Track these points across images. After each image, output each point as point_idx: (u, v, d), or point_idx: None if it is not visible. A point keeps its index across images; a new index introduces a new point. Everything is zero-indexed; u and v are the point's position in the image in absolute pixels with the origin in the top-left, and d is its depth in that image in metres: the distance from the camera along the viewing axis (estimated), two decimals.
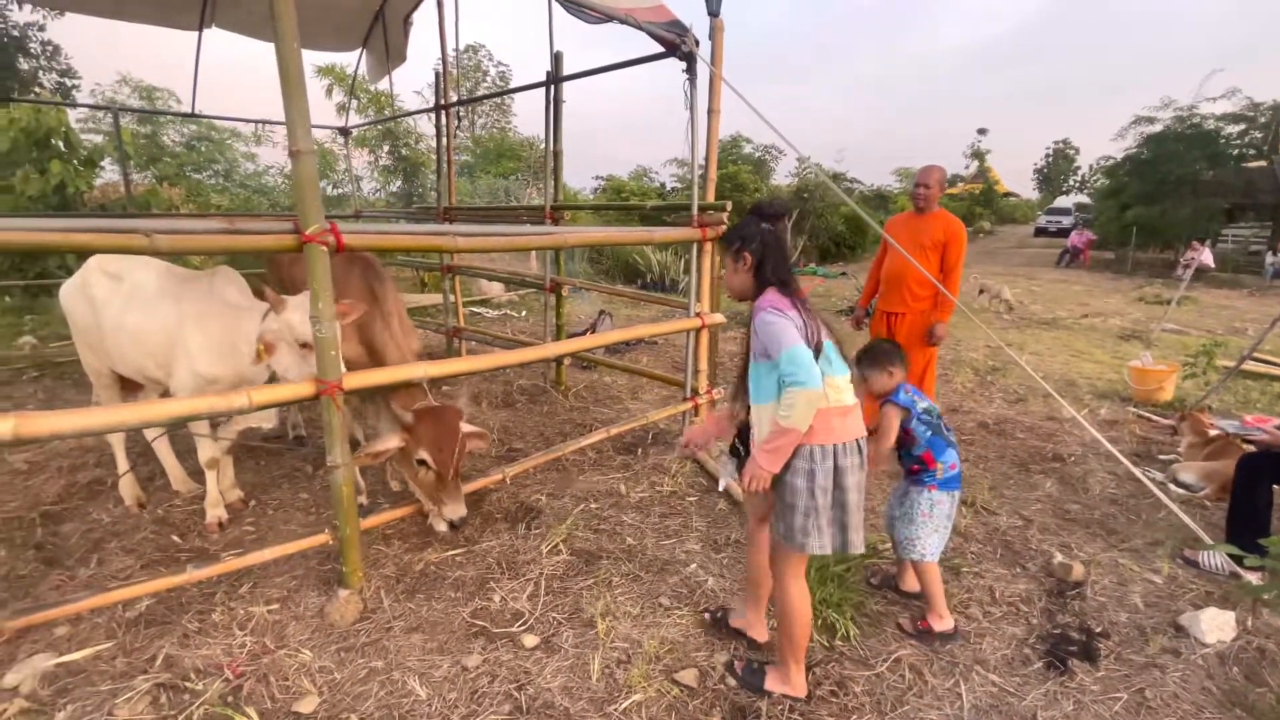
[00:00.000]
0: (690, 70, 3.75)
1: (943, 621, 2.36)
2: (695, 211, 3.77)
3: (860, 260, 19.55)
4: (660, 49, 3.79)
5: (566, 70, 4.73)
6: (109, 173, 10.74)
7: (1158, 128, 18.24)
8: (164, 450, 3.33)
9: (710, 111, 3.80)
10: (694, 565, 2.76)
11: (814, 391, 1.76)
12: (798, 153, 3.26)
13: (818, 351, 1.83)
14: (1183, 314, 10.06)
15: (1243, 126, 17.77)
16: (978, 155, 42.71)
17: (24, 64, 14.35)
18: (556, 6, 3.44)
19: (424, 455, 2.68)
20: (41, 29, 14.67)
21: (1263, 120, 17.48)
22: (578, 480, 3.64)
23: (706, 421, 2.42)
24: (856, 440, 1.91)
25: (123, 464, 3.22)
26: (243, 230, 2.22)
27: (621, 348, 6.92)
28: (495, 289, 10.15)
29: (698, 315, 3.89)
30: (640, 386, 5.54)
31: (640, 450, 4.04)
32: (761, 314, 1.87)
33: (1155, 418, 4.88)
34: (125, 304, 2.82)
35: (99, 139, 12.58)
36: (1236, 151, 17.93)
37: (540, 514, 3.23)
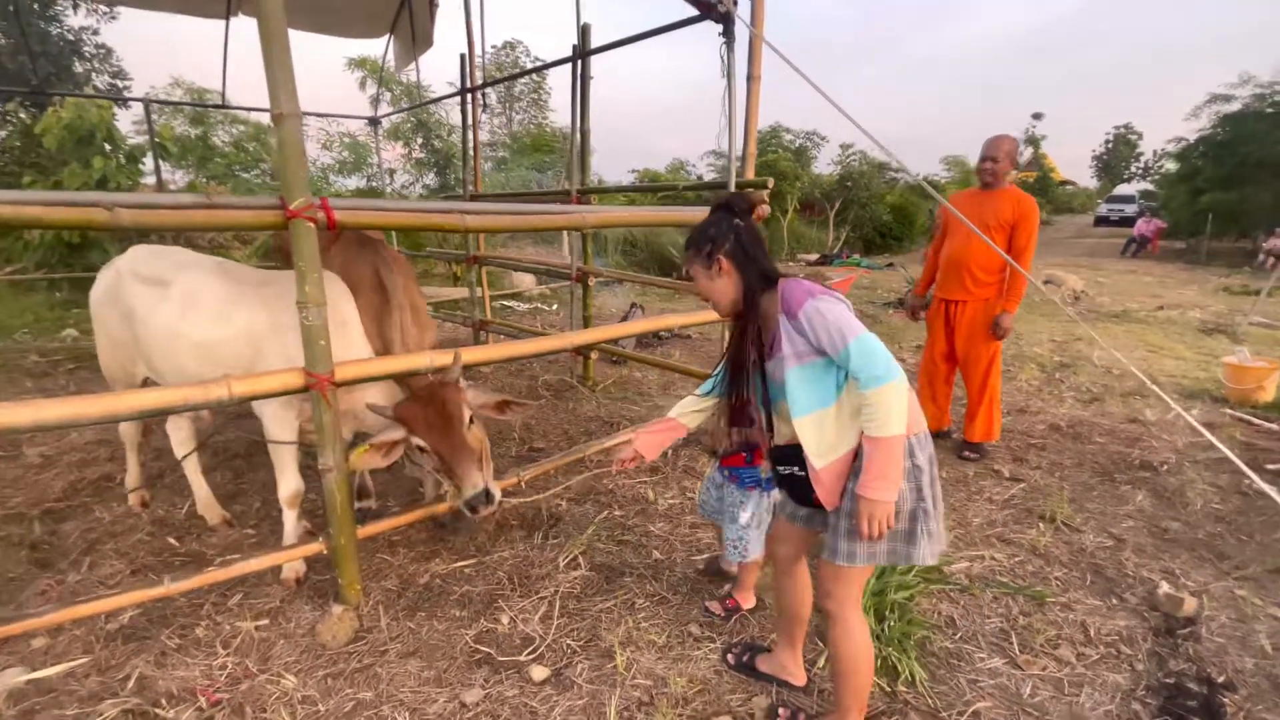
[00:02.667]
0: (727, 33, 3.40)
1: (749, 600, 2.33)
2: (732, 189, 3.42)
3: (908, 251, 18.74)
4: (694, 11, 3.46)
5: (595, 43, 4.43)
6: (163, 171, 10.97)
7: (1235, 106, 16.89)
8: (192, 470, 2.92)
9: (750, 78, 3.43)
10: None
11: (901, 383, 1.43)
12: (854, 123, 2.87)
13: None
14: (1272, 306, 9.16)
15: None
16: (1032, 142, 40.79)
17: (78, 67, 14.86)
18: None
19: (418, 441, 2.28)
20: (95, 32, 15.16)
21: None
22: (601, 483, 3.34)
23: (652, 429, 1.99)
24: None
25: (134, 475, 3.08)
26: (220, 205, 1.99)
27: (653, 341, 6.60)
28: (526, 281, 9.95)
29: None
30: (672, 382, 5.22)
31: (669, 452, 3.72)
32: (811, 303, 1.51)
33: (1258, 421, 4.31)
34: (182, 312, 2.40)
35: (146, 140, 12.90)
36: None
37: (560, 521, 2.94)
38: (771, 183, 3.47)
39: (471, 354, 2.50)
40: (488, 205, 2.53)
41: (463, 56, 5.56)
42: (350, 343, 2.42)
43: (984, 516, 3.07)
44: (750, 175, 3.51)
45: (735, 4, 3.33)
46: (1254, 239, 16.60)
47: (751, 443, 2.10)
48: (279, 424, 2.44)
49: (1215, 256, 16.77)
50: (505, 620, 2.24)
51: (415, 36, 5.96)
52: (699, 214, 3.35)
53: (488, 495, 2.22)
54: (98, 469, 3.42)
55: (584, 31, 4.44)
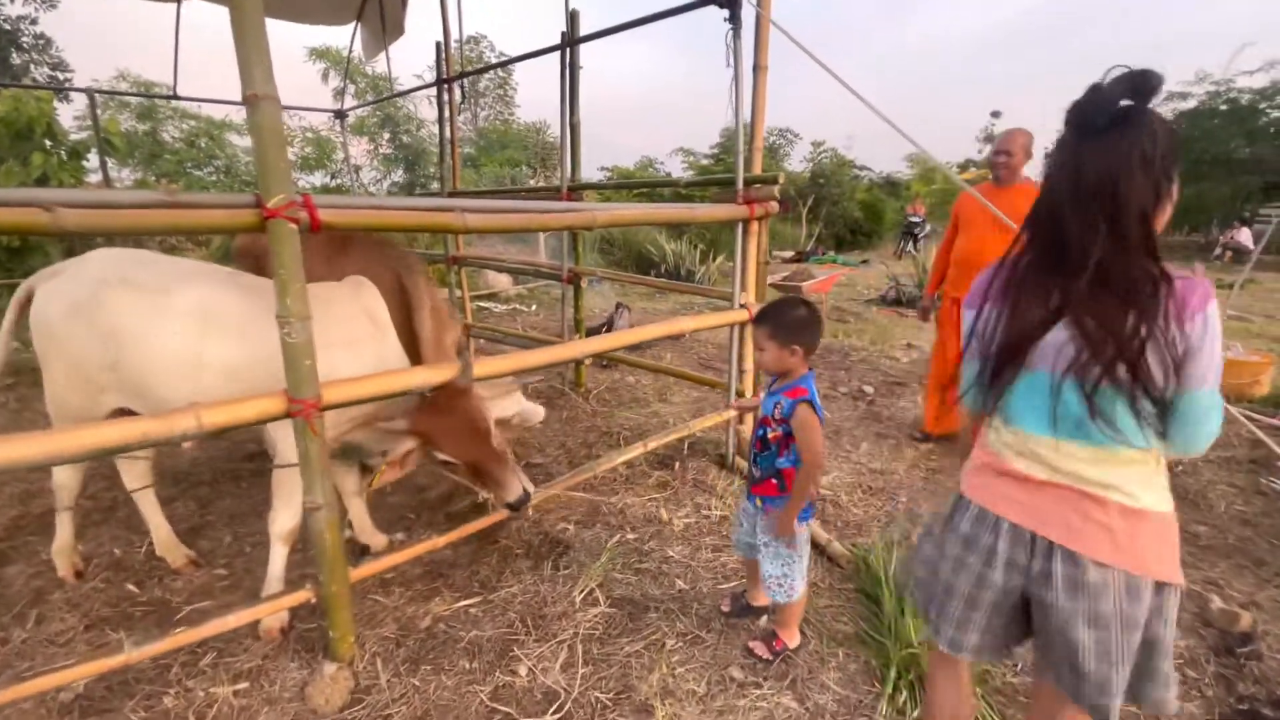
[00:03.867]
0: (734, 19, 3.18)
1: (794, 638, 2.12)
2: (740, 186, 3.21)
3: (878, 248, 18.88)
4: None
5: (584, 31, 4.17)
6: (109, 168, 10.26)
7: (1191, 104, 17.44)
8: (149, 506, 2.56)
9: (757, 68, 3.24)
10: (766, 620, 2.22)
11: None
12: (879, 114, 2.69)
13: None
14: (1243, 299, 9.39)
15: None
16: (990, 139, 41.74)
17: (16, 58, 13.93)
18: None
19: (442, 455, 2.26)
20: (34, 21, 14.25)
21: None
22: (609, 502, 3.11)
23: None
24: None
25: (64, 530, 2.46)
26: (185, 204, 1.70)
27: (642, 344, 6.38)
28: (503, 282, 9.61)
29: (743, 307, 3.34)
30: (667, 387, 5.00)
31: (678, 465, 3.51)
32: (1204, 312, 1.08)
33: (1260, 416, 4.30)
34: (199, 331, 2.02)
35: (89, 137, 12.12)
36: (1275, 128, 17.09)
37: (569, 548, 2.70)
38: (782, 178, 3.28)
39: (482, 367, 2.24)
40: (488, 203, 2.26)
41: (439, 44, 5.25)
42: (387, 353, 2.30)
43: None
44: (758, 169, 3.31)
45: None
46: (1207, 234, 17.18)
47: (780, 469, 1.94)
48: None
49: (1172, 251, 17.30)
50: (523, 671, 2.00)
51: (385, 24, 5.61)
52: (714, 211, 3.15)
53: (526, 494, 2.34)
54: (42, 501, 3.04)
55: (573, 18, 4.19)
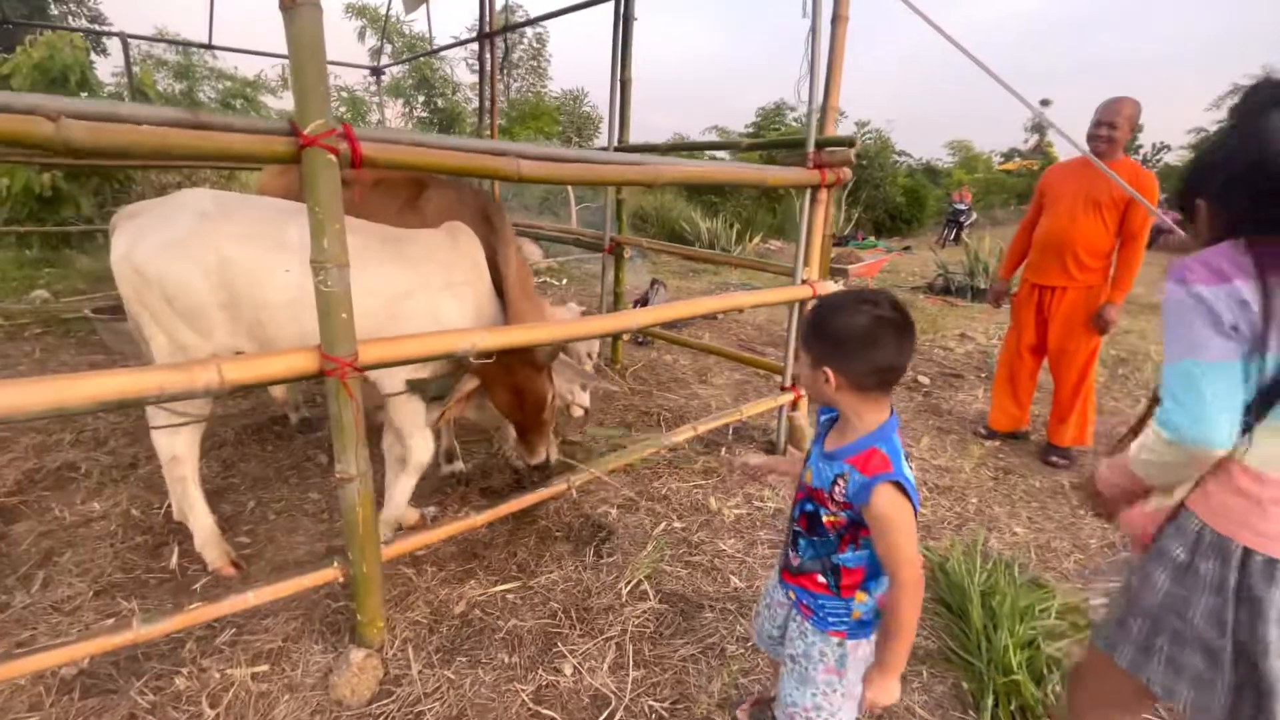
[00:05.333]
0: None
1: None
2: (811, 149, 2.92)
3: (918, 235, 18.26)
4: None
5: None
6: None
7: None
8: (189, 490, 2.12)
9: (836, 18, 2.93)
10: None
11: None
12: (998, 79, 2.38)
13: None
14: None
15: None
16: (1039, 129, 40.22)
17: (54, 9, 13.90)
18: None
19: (494, 404, 2.37)
20: None
21: None
22: (652, 486, 2.89)
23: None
24: None
25: (202, 516, 2.13)
26: (211, 124, 1.48)
27: (677, 322, 6.12)
28: (534, 254, 9.38)
29: (806, 283, 3.06)
30: (707, 368, 4.75)
31: (725, 450, 3.27)
32: None
33: None
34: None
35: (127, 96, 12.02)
36: None
37: (611, 534, 2.49)
38: (858, 141, 2.98)
39: (519, 335, 2.02)
40: (543, 150, 2.02)
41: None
42: (483, 300, 2.27)
43: (1100, 537, 2.66)
44: (831, 131, 3.01)
45: None
46: None
47: (839, 565, 1.25)
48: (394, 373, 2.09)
49: None
50: (568, 670, 1.79)
51: None
52: (784, 174, 2.87)
53: (548, 461, 2.45)
54: (59, 455, 2.91)
55: None
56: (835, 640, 1.27)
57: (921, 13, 2.58)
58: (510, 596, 2.11)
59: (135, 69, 9.09)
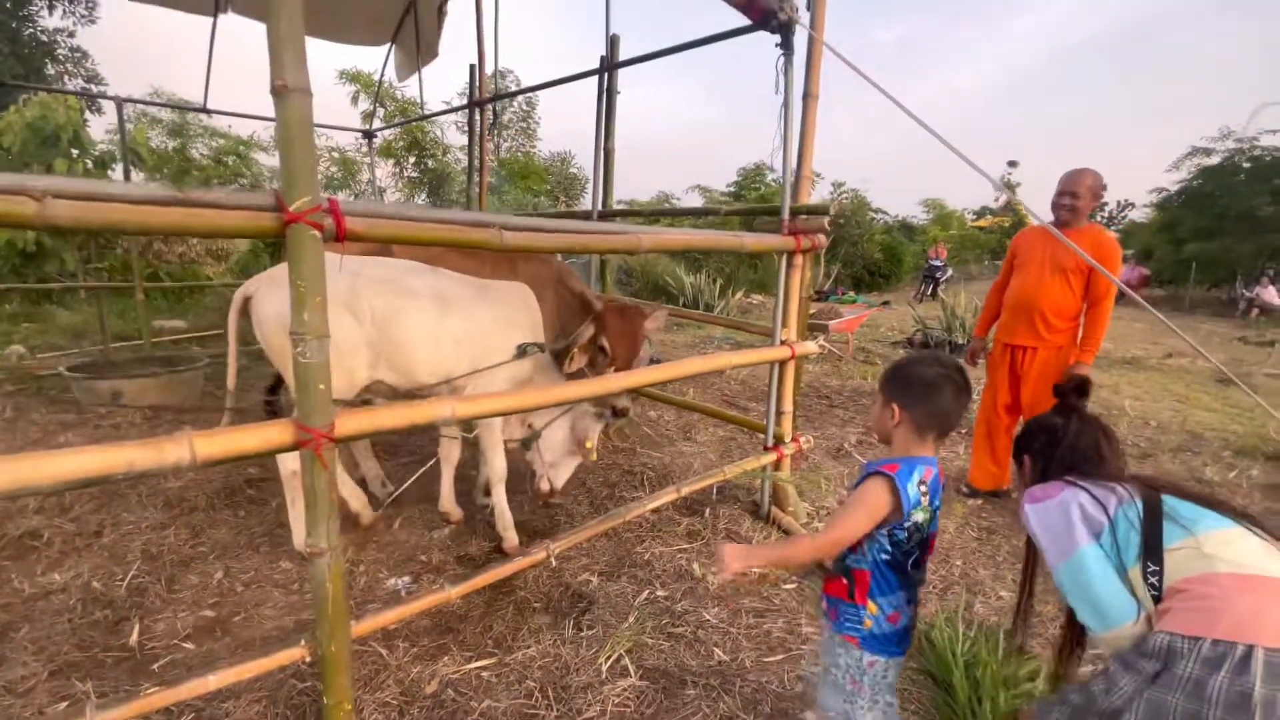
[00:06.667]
0: (786, 44, 3.04)
1: None
2: (786, 217, 3.03)
3: (896, 290, 18.69)
4: (744, 21, 3.11)
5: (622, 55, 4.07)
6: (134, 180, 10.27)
7: (1215, 160, 17.37)
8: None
9: (807, 95, 3.10)
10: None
11: None
12: (952, 148, 2.50)
13: None
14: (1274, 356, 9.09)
15: None
16: (1009, 187, 42.00)
17: (50, 69, 14.21)
18: None
19: (605, 344, 2.80)
20: (71, 34, 14.58)
21: None
22: (634, 551, 2.84)
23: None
24: None
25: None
26: (196, 201, 1.51)
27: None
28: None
29: (784, 344, 3.12)
30: (692, 424, 4.75)
31: (708, 512, 3.24)
32: None
33: None
34: (442, 310, 2.51)
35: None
36: None
37: (592, 604, 2.43)
38: (834, 209, 3.09)
39: (494, 404, 2.02)
40: (525, 220, 2.07)
41: (472, 67, 5.19)
42: (532, 337, 2.76)
43: None
44: (805, 199, 3.13)
45: (796, 11, 2.99)
46: (1229, 290, 16.86)
47: (850, 568, 1.49)
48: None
49: (1197, 305, 17.02)
50: None
51: (420, 46, 5.57)
52: (762, 241, 2.95)
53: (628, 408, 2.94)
54: (22, 522, 2.82)
55: (613, 43, 4.09)
56: (851, 646, 1.48)
57: (885, 91, 2.71)
58: (485, 674, 2.03)
59: (129, 126, 9.26)
